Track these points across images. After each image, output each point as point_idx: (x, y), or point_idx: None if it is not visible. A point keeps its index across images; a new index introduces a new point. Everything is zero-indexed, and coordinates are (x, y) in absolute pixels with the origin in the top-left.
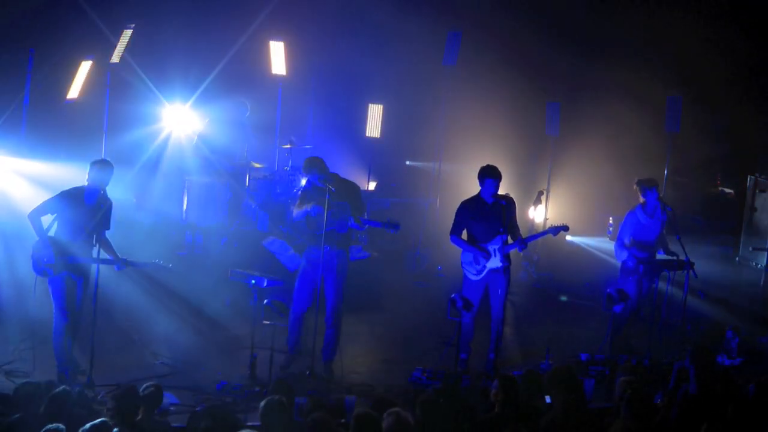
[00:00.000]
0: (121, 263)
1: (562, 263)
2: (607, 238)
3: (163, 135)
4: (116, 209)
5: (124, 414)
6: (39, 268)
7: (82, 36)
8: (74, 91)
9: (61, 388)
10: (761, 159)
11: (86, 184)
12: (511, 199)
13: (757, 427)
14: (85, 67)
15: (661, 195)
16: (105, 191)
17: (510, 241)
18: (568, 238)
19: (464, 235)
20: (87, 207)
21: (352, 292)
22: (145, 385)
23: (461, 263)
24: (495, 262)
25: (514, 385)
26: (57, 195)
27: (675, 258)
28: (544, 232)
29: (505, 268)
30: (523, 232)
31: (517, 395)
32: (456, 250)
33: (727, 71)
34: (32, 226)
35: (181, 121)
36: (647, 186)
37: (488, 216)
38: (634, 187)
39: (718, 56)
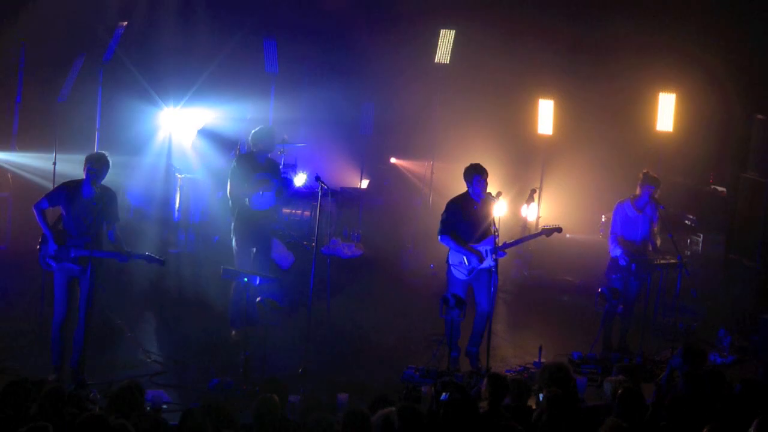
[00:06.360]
0: (125, 255)
1: (554, 261)
2: (600, 236)
3: (157, 132)
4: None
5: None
6: (43, 261)
7: (75, 33)
8: (66, 89)
9: (53, 385)
10: (753, 157)
11: (83, 177)
12: (493, 196)
13: (742, 425)
14: (77, 65)
15: (656, 196)
16: (105, 185)
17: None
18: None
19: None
20: (84, 200)
21: (344, 289)
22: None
23: (449, 263)
24: (486, 263)
25: (504, 382)
26: (58, 186)
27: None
28: (537, 234)
29: (495, 267)
30: (516, 231)
31: (506, 393)
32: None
33: (720, 69)
34: (36, 218)
35: (174, 118)
36: (649, 182)
37: (478, 215)
38: (640, 175)
39: (711, 54)
